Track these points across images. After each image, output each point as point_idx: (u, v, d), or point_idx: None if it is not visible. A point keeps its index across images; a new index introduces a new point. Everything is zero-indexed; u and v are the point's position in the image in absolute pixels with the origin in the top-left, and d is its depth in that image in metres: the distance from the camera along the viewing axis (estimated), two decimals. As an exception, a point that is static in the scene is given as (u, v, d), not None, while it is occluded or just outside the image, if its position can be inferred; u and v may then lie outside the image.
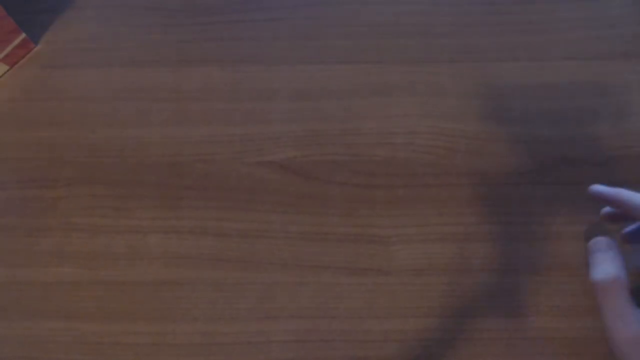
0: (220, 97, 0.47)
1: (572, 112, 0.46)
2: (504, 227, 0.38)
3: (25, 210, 0.43)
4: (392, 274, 0.41)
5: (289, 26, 0.50)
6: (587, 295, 0.40)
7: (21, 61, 0.48)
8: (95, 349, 0.40)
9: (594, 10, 0.49)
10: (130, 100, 0.47)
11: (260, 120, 0.46)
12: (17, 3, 0.49)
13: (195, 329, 0.40)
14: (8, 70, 0.47)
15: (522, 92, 0.46)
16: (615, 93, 0.46)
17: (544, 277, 0.40)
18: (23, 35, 0.46)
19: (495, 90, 0.46)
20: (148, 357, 0.40)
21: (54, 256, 0.42)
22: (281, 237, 0.42)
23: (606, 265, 0.31)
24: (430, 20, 0.49)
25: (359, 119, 0.46)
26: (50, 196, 0.44)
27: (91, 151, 0.45)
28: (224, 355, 0.40)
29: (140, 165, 0.45)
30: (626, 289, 0.30)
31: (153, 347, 0.40)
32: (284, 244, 0.42)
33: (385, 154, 0.44)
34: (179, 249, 0.42)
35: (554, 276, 0.41)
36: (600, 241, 0.33)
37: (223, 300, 0.41)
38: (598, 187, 0.34)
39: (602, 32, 0.48)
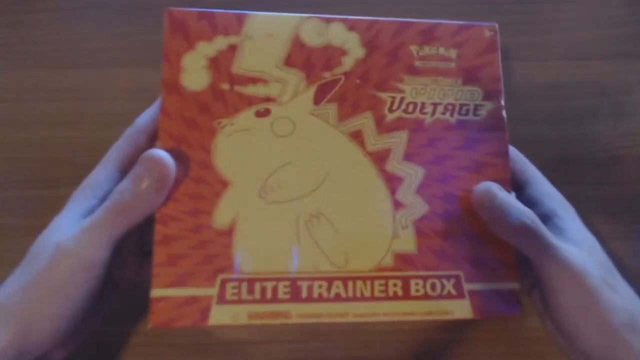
0: (220, 97, 0.47)
1: (572, 112, 0.46)
2: (504, 227, 0.38)
3: (25, 210, 0.43)
4: (392, 274, 0.41)
5: (289, 26, 0.50)
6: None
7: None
8: (94, 349, 0.40)
9: (594, 10, 0.49)
10: (130, 100, 0.47)
11: (260, 120, 0.46)
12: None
13: (195, 329, 0.40)
14: None
15: (522, 92, 0.46)
16: (615, 93, 0.46)
17: (544, 277, 0.40)
18: None
19: (495, 90, 0.46)
20: (148, 357, 0.40)
21: (54, 256, 0.42)
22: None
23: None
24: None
25: (359, 119, 0.46)
26: (50, 196, 0.43)
27: (91, 151, 0.45)
28: (224, 355, 0.40)
29: (140, 165, 0.44)
30: None
31: (153, 347, 0.40)
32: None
33: (385, 154, 0.44)
34: (179, 249, 0.42)
35: (554, 276, 0.40)
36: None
37: (223, 300, 0.41)
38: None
39: (602, 32, 0.48)
